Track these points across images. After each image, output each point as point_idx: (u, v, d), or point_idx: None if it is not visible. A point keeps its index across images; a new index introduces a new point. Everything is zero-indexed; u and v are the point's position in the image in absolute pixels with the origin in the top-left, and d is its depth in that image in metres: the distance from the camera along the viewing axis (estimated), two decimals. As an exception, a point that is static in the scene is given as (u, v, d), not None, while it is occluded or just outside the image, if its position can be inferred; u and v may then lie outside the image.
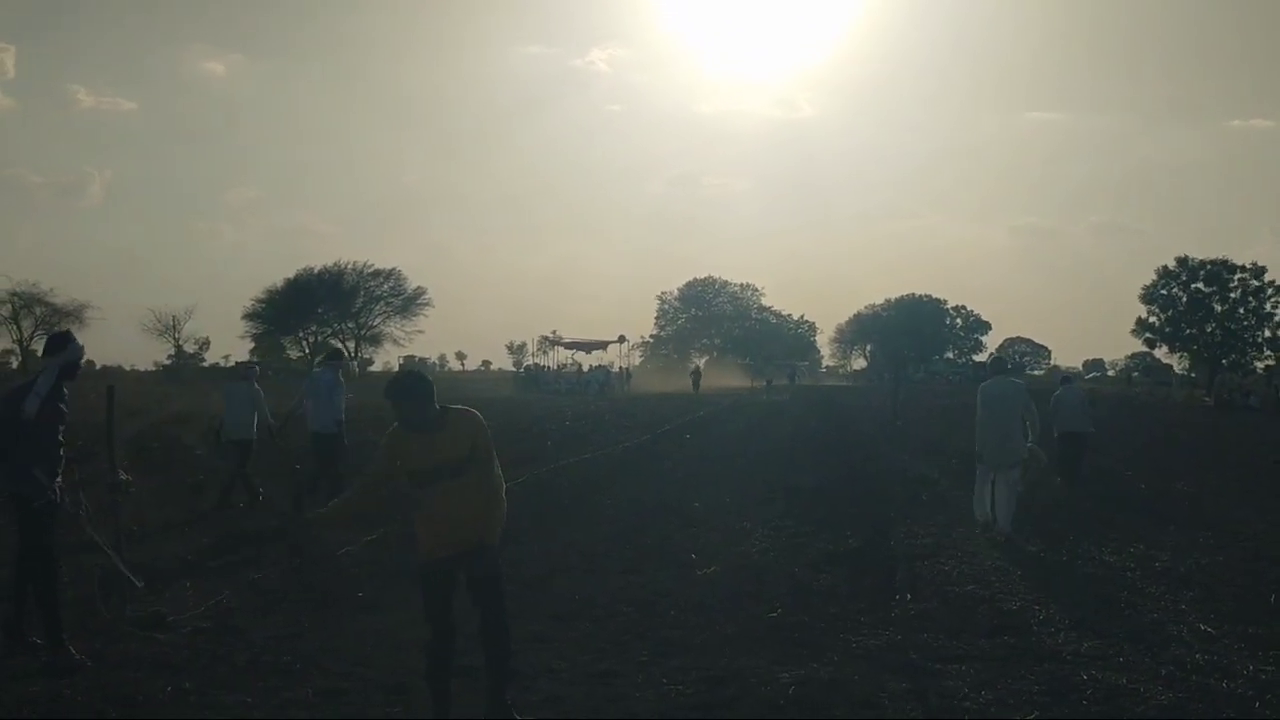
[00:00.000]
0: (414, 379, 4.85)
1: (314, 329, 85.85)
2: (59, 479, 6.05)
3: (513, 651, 5.04)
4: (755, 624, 6.90)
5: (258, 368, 15.13)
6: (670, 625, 6.91)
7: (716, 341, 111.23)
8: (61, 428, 6.08)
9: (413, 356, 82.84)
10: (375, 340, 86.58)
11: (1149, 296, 71.72)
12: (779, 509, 11.99)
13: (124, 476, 6.51)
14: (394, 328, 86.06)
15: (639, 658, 6.13)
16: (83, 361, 6.32)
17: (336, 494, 8.59)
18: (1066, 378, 17.48)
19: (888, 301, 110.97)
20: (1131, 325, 72.91)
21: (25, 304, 63.86)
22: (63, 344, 6.19)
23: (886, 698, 5.28)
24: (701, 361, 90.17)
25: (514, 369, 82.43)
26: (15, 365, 62.38)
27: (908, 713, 5.08)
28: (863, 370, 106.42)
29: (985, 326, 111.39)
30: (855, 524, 10.77)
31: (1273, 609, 7.39)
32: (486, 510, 4.84)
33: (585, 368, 63.10)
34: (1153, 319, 71.66)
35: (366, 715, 5.16)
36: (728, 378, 75.81)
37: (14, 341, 65.93)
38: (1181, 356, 74.99)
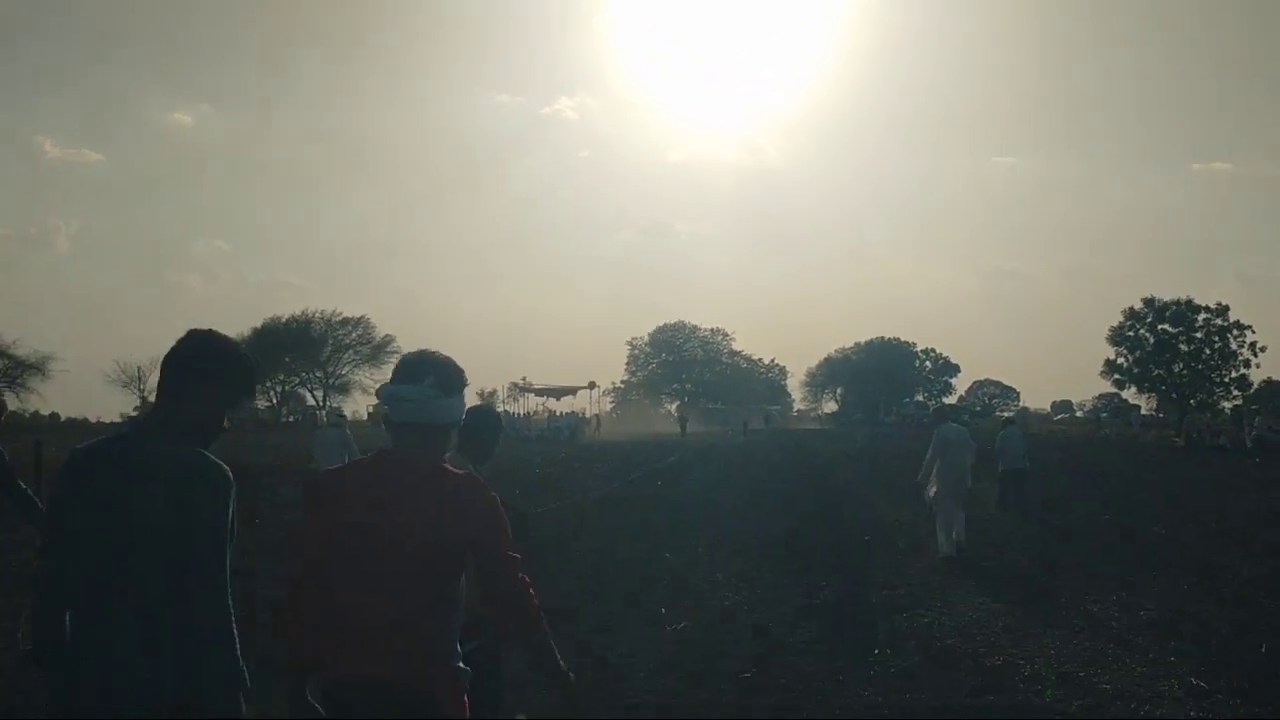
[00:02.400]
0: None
1: (281, 379, 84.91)
2: None
3: None
4: (727, 686, 6.52)
5: (345, 414, 15.94)
6: (637, 689, 6.51)
7: (688, 386, 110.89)
8: None
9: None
10: (344, 389, 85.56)
11: (1117, 338, 72.15)
12: (753, 559, 11.62)
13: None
14: (363, 376, 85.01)
15: (602, 727, 5.73)
16: None
17: None
18: (1010, 420, 19.27)
19: (857, 345, 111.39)
20: (1099, 366, 73.39)
21: (-13, 356, 62.75)
22: None
23: (868, 769, 4.92)
24: (673, 406, 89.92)
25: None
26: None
27: (891, 786, 4.71)
28: (834, 413, 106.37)
29: (954, 369, 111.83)
30: (831, 574, 10.43)
31: (1263, 659, 7.11)
32: None
33: (557, 414, 62.53)
34: (1121, 360, 72.10)
35: None
36: (700, 423, 75.48)
37: (-24, 394, 64.77)
38: (1149, 397, 75.37)
